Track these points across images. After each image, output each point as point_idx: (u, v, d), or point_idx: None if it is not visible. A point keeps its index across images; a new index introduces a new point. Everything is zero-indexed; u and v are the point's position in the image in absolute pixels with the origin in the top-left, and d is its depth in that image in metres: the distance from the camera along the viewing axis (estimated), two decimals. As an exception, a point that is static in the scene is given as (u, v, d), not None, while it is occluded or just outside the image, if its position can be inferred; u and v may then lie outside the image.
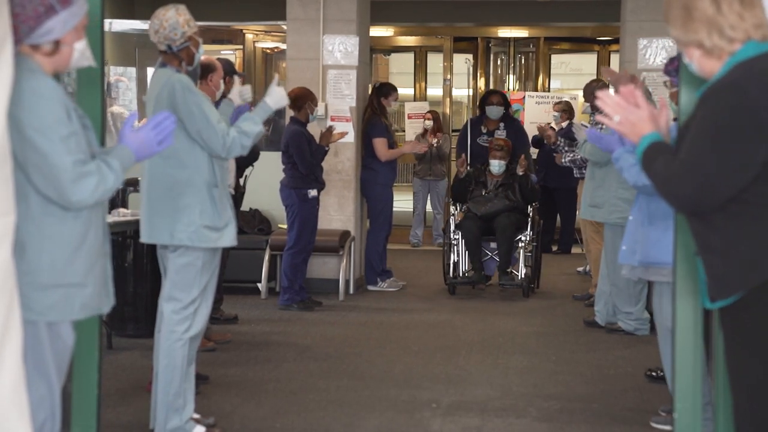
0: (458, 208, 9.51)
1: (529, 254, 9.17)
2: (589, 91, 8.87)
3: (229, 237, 4.73)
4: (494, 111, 9.97)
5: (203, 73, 6.08)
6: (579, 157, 8.50)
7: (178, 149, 4.56)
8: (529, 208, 9.35)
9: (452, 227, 9.40)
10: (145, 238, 4.80)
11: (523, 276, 9.12)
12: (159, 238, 4.72)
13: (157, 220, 4.70)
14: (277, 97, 4.92)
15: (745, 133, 2.67)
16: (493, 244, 9.28)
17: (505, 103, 10.10)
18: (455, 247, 9.33)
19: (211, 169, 4.68)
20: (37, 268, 3.11)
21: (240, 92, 5.41)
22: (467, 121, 10.44)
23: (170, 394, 4.68)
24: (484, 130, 10.00)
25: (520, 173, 9.37)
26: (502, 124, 9.97)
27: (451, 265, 9.32)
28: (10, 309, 2.77)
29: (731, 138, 2.68)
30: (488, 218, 9.17)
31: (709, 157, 2.71)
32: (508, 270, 9.10)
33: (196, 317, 4.74)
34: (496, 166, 9.37)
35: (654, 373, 6.13)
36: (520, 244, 9.18)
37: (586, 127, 8.19)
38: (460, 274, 9.29)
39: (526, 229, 9.26)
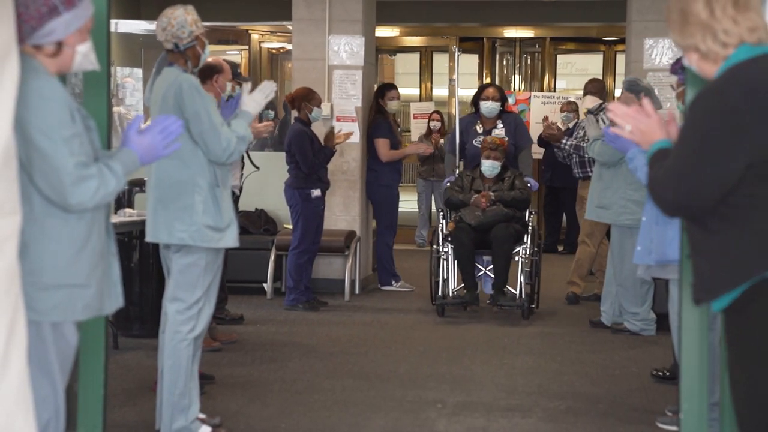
0: (448, 216, 8.46)
1: (528, 270, 8.14)
2: (588, 90, 8.97)
3: (231, 238, 4.73)
4: (489, 107, 8.73)
5: (209, 73, 6.08)
6: (583, 146, 8.34)
7: (181, 150, 4.55)
8: (528, 217, 8.35)
9: (440, 238, 8.32)
10: (148, 237, 4.82)
11: (524, 296, 8.06)
12: (161, 237, 4.73)
13: (160, 220, 4.71)
14: (254, 104, 4.80)
15: (725, 136, 2.68)
16: (486, 258, 8.28)
17: (502, 98, 8.84)
18: (444, 261, 8.23)
19: (213, 170, 4.69)
20: (39, 269, 3.10)
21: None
22: (458, 120, 9.03)
23: (175, 394, 4.69)
24: (480, 130, 8.77)
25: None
26: (499, 122, 8.77)
27: (440, 283, 8.21)
28: (16, 309, 2.77)
29: (712, 142, 2.70)
30: (483, 229, 8.10)
31: (691, 162, 2.73)
32: (505, 288, 8.07)
33: (200, 317, 4.74)
34: (489, 167, 8.32)
35: (660, 374, 6.13)
36: (517, 258, 8.16)
37: (604, 123, 8.13)
38: (450, 294, 8.21)
39: (525, 241, 8.20)
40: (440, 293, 8.19)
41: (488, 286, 8.29)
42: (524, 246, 8.17)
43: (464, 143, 8.83)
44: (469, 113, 9.04)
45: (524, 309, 8.03)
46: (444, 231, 8.31)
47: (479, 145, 8.64)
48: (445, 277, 8.21)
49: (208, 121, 4.61)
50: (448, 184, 8.62)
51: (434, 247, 8.37)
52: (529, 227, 8.28)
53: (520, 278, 8.12)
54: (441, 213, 8.54)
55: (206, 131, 4.61)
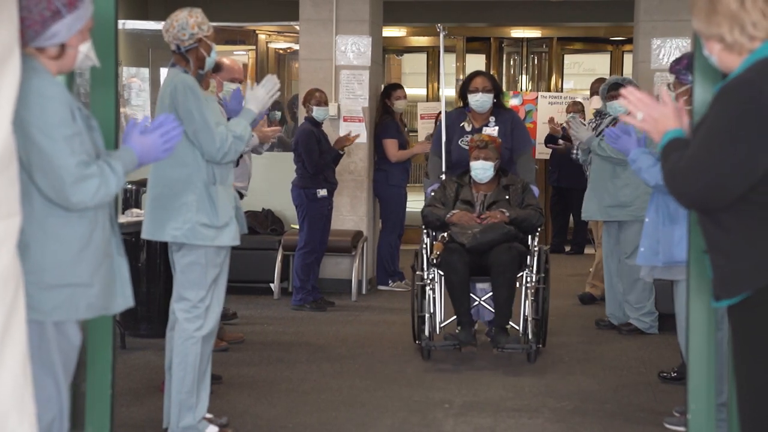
0: (434, 235, 6.80)
1: (534, 299, 6.62)
2: (594, 90, 8.95)
3: (229, 236, 4.73)
4: (479, 101, 7.06)
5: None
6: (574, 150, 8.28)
7: (178, 148, 4.54)
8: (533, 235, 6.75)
9: (424, 262, 6.69)
10: (144, 233, 4.84)
11: (530, 334, 6.53)
12: (156, 235, 4.75)
13: (157, 217, 4.74)
14: (256, 101, 4.82)
15: (755, 131, 2.65)
16: (482, 285, 6.72)
17: (495, 88, 7.13)
18: (430, 291, 6.62)
19: (210, 168, 4.70)
20: (41, 268, 3.10)
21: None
22: (442, 116, 7.36)
23: (183, 392, 4.70)
24: (468, 128, 7.12)
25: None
26: (492, 118, 7.14)
27: (426, 318, 6.58)
28: (12, 310, 2.74)
29: (741, 137, 2.66)
30: (479, 251, 6.52)
31: (718, 155, 2.68)
32: (507, 326, 6.55)
33: (208, 315, 4.75)
34: (480, 169, 6.68)
35: (667, 374, 6.12)
36: (519, 284, 6.60)
37: (584, 125, 8.09)
38: (437, 330, 6.62)
39: (529, 264, 6.61)
40: (425, 332, 6.60)
41: (485, 316, 6.82)
42: (528, 270, 6.61)
43: (448, 144, 7.17)
44: (457, 108, 7.58)
45: (531, 352, 6.50)
46: (429, 253, 6.68)
47: (466, 147, 6.97)
48: (432, 311, 6.61)
49: (201, 121, 4.63)
50: (432, 194, 6.97)
51: (417, 273, 6.75)
52: (535, 248, 6.69)
53: (524, 311, 6.58)
54: (424, 230, 6.87)
55: (199, 130, 4.63)
